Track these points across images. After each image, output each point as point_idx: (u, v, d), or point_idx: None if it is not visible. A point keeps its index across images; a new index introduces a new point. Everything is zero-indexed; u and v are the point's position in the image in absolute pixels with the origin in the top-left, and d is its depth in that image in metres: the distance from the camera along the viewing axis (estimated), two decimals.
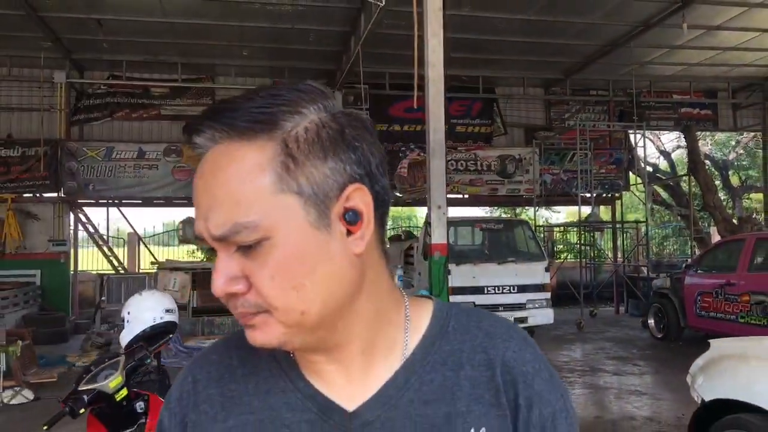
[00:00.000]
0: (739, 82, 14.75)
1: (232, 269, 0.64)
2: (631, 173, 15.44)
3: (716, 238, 14.11)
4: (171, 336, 3.24)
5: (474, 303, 8.65)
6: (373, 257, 0.70)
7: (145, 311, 3.03)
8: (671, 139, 20.30)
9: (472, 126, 13.50)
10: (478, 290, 8.76)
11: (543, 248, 9.94)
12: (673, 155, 20.64)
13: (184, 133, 0.69)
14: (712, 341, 3.72)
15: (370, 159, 0.67)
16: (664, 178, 18.62)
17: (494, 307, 8.72)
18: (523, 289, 8.82)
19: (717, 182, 18.10)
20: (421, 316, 0.76)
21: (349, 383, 0.73)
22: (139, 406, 2.54)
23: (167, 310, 3.06)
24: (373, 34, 8.89)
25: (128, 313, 3.05)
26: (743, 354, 3.49)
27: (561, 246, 17.85)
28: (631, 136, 14.99)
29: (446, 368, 0.74)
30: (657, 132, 17.74)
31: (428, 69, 5.78)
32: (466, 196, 13.57)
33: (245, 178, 0.62)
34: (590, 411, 5.85)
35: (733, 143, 21.27)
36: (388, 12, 7.88)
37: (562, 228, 18.41)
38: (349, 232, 0.66)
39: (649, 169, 17.00)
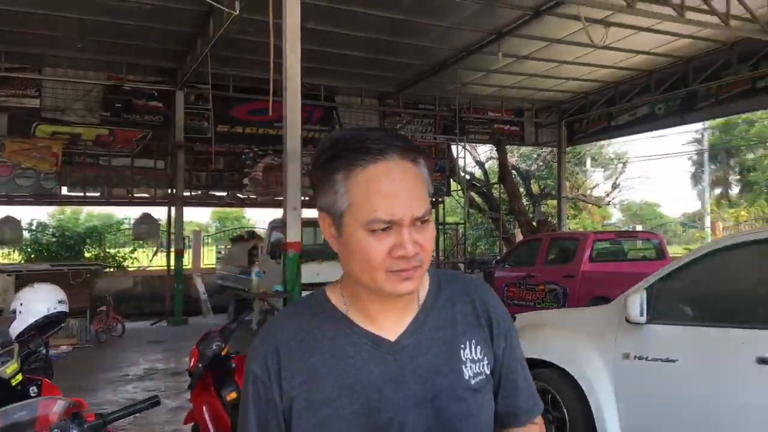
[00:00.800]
0: (541, 104, 17.15)
1: (415, 237, 1.02)
2: (452, 180, 17.20)
3: (520, 238, 16.23)
4: (62, 325, 3.44)
5: None
6: None
7: (38, 303, 3.21)
8: (485, 150, 22.81)
9: (314, 132, 14.12)
10: (321, 286, 9.36)
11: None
12: (486, 165, 23.13)
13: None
14: (518, 315, 4.75)
15: None
16: (479, 185, 20.80)
17: None
18: None
19: (521, 190, 20.73)
20: (423, 279, 1.16)
21: (390, 324, 1.11)
22: (32, 390, 2.75)
23: (60, 301, 3.28)
24: (221, 37, 9.10)
25: (20, 304, 3.20)
26: (540, 323, 4.54)
27: None
28: (453, 148, 16.72)
29: (447, 307, 1.15)
30: (474, 144, 19.80)
31: (286, 81, 6.28)
32: (307, 198, 14.12)
33: (423, 185, 1.05)
34: None
35: (535, 156, 24.39)
36: (241, 19, 8.18)
37: None
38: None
39: (467, 177, 18.95)
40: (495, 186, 18.99)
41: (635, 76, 14.28)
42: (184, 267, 12.71)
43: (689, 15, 9.00)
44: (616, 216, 34.74)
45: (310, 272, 9.22)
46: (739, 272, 3.64)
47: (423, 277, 1.07)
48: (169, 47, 11.27)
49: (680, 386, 3.47)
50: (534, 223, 17.05)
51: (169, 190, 13.07)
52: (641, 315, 3.62)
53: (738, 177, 33.27)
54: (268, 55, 6.81)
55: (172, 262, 12.63)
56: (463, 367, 1.12)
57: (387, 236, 1.01)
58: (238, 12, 7.75)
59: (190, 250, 15.01)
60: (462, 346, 1.13)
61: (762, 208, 25.30)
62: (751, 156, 31.20)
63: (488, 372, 1.15)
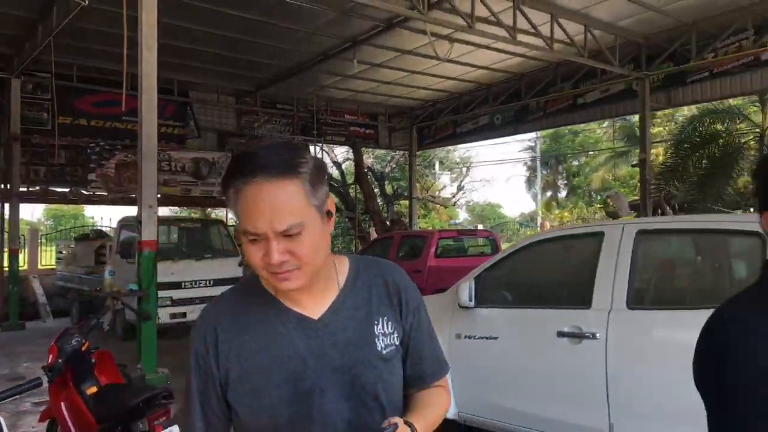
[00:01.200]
0: (394, 110, 18.06)
1: (286, 246, 1.13)
2: None
3: (374, 236, 16.98)
4: None
5: (172, 297, 9.13)
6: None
7: None
8: (342, 152, 23.43)
9: (165, 126, 13.71)
10: (176, 285, 9.23)
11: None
12: (343, 166, 23.77)
13: (244, 167, 1.12)
14: None
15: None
16: (335, 185, 21.35)
17: (191, 300, 9.35)
18: (219, 282, 9.59)
19: (376, 190, 21.60)
20: (343, 264, 1.34)
21: (313, 305, 1.26)
22: None
23: None
24: (66, 24, 8.65)
25: None
26: None
27: None
28: (311, 148, 17.04)
29: (364, 289, 1.31)
30: (331, 145, 20.29)
31: (142, 79, 6.23)
32: (159, 195, 13.68)
33: (296, 200, 1.12)
34: None
35: (389, 158, 25.49)
36: (90, 8, 7.86)
37: None
38: (328, 222, 1.21)
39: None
40: (351, 186, 19.63)
41: (476, 88, 15.61)
42: (19, 268, 11.75)
43: (520, 37, 10.15)
44: (462, 216, 37.35)
45: (164, 271, 9.04)
46: (544, 263, 4.38)
47: (310, 274, 1.19)
48: (4, 32, 10.40)
49: (501, 359, 4.12)
50: (388, 222, 17.92)
51: (3, 185, 12.01)
52: (470, 300, 4.23)
53: (565, 182, 37.15)
54: (117, 45, 6.69)
55: (6, 263, 11.63)
56: (376, 340, 1.29)
57: (258, 245, 1.14)
58: (87, 2, 7.46)
59: (26, 250, 13.85)
60: (375, 322, 1.30)
61: (581, 210, 28.60)
62: (575, 163, 35.00)
63: (398, 343, 1.32)
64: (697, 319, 3.00)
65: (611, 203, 14.79)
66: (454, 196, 27.75)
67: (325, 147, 18.14)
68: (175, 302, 9.11)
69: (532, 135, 29.07)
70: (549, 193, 37.63)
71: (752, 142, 14.16)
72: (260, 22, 10.47)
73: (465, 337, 4.34)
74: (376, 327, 1.29)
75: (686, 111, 15.70)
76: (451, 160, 29.34)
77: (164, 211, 18.89)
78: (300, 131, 16.35)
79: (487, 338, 4.19)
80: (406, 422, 1.20)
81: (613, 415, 3.48)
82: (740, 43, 11.28)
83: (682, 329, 3.30)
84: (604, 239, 3.73)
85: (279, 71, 13.52)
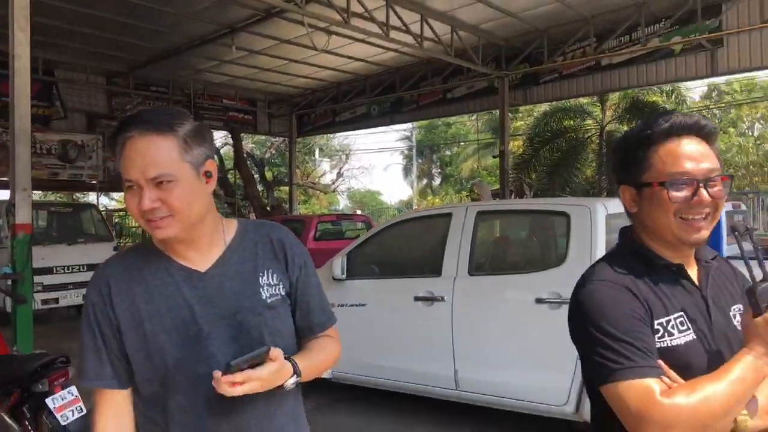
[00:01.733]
0: (274, 96, 18.22)
1: (158, 195, 1.24)
2: None
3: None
4: None
5: (43, 283, 8.90)
6: (212, 197, 1.38)
7: None
8: (220, 137, 23.13)
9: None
10: (47, 270, 8.97)
11: (111, 230, 10.72)
12: (222, 151, 23.47)
13: (124, 125, 1.24)
14: None
15: (213, 147, 1.34)
16: None
17: (64, 286, 9.15)
18: (92, 267, 9.43)
19: (256, 176, 21.64)
20: (232, 225, 1.45)
21: (201, 260, 1.37)
22: None
23: None
24: None
25: None
26: None
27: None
28: None
29: (250, 246, 1.42)
30: (209, 130, 19.97)
31: (14, 60, 6.14)
32: None
33: (167, 153, 1.25)
34: None
35: (269, 144, 25.53)
36: None
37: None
38: (207, 182, 1.33)
39: None
40: (230, 172, 19.54)
41: (354, 79, 16.24)
42: None
43: (393, 34, 10.87)
44: (343, 202, 38.14)
45: (34, 256, 8.78)
46: (404, 240, 5.08)
47: (184, 224, 1.29)
48: None
49: (368, 322, 4.76)
50: (268, 208, 18.13)
51: None
52: (342, 273, 4.82)
53: (439, 170, 39.04)
54: None
55: None
56: (261, 290, 1.39)
57: (134, 193, 1.26)
58: None
59: None
60: (260, 274, 1.41)
61: (452, 197, 30.39)
62: (448, 153, 36.91)
63: (283, 294, 1.43)
64: (522, 281, 3.82)
65: (476, 191, 16.09)
66: (333, 183, 28.34)
67: None
68: (46, 288, 8.88)
69: (409, 125, 30.33)
70: (424, 181, 39.40)
71: (594, 137, 16.07)
72: (135, 4, 10.31)
73: (338, 305, 4.92)
74: (261, 278, 1.40)
75: (544, 107, 17.37)
76: (331, 148, 29.90)
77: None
78: None
79: (356, 305, 4.81)
80: (288, 358, 1.30)
81: (458, 362, 4.24)
82: (584, 49, 12.81)
83: (511, 290, 4.11)
84: (452, 219, 4.46)
85: (154, 53, 13.26)
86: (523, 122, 23.28)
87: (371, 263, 4.99)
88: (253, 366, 1.21)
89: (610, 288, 1.22)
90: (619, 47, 12.38)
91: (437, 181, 39.50)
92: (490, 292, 4.18)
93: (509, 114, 23.66)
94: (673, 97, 15.67)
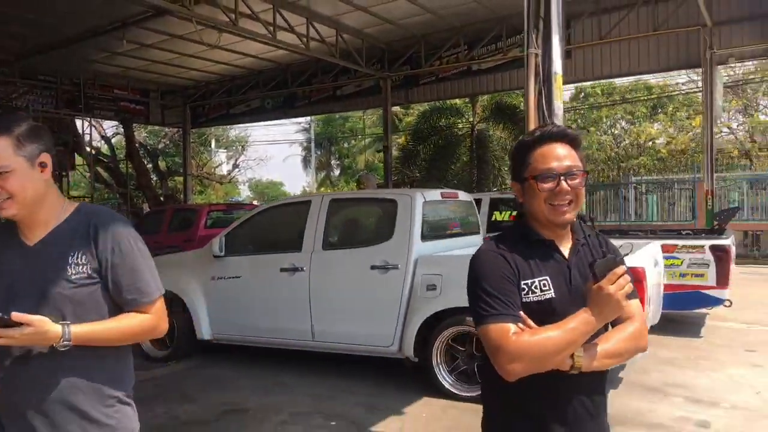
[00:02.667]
0: (167, 87, 18.42)
1: None
2: (77, 154, 17.19)
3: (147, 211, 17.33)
4: None
5: None
6: (51, 182, 1.67)
7: None
8: (112, 126, 22.85)
9: None
10: None
11: None
12: (113, 140, 23.17)
13: None
14: (158, 257, 6.42)
15: (50, 144, 1.65)
16: (105, 160, 20.90)
17: None
18: None
19: (149, 166, 21.63)
20: (71, 207, 1.73)
21: (33, 236, 1.68)
22: None
23: None
24: None
25: None
26: (158, 264, 6.31)
27: None
28: (78, 122, 16.74)
29: (72, 228, 1.68)
30: (100, 120, 19.85)
31: None
32: None
33: (2, 150, 1.56)
34: None
35: (162, 134, 25.41)
36: None
37: None
38: (42, 171, 1.63)
39: (93, 152, 19.01)
40: (122, 161, 19.50)
41: (247, 73, 16.87)
42: None
43: (281, 35, 11.71)
44: (245, 192, 38.25)
45: None
46: (273, 222, 6.07)
47: (21, 206, 1.61)
48: None
49: (242, 291, 5.71)
50: (161, 198, 18.36)
51: None
52: (220, 251, 5.74)
53: (338, 162, 40.05)
54: None
55: None
56: (68, 267, 1.62)
57: None
58: None
59: None
60: (72, 253, 1.64)
61: (346, 187, 31.56)
62: (346, 145, 37.99)
63: (90, 272, 1.64)
64: (361, 253, 4.95)
65: (362, 182, 17.23)
66: (229, 174, 28.60)
67: (93, 121, 17.81)
68: None
69: (307, 118, 31.06)
70: (324, 172, 40.25)
71: (467, 135, 17.73)
72: None
73: (218, 278, 5.85)
74: (71, 257, 1.63)
75: (425, 106, 18.82)
76: (227, 139, 30.09)
77: None
78: (65, 104, 15.99)
79: (232, 278, 5.75)
80: (64, 324, 1.56)
81: (314, 319, 5.30)
82: (457, 55, 14.26)
83: (353, 260, 5.21)
84: (311, 206, 5.51)
85: (41, 43, 13.24)
86: (413, 118, 24.78)
87: (246, 242, 5.93)
88: (8, 326, 1.48)
89: (488, 255, 1.56)
90: (486, 55, 13.92)
91: (336, 172, 40.52)
92: (338, 263, 5.27)
93: (402, 109, 25.20)
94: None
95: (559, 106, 3.47)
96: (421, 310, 4.78)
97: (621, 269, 1.40)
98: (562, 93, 3.61)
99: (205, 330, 5.90)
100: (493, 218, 8.04)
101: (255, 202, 27.72)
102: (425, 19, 12.92)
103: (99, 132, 21.71)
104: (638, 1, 11.86)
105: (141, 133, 23.76)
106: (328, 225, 5.39)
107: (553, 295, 1.51)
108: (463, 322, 4.55)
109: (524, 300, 1.50)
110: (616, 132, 25.48)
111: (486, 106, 17.55)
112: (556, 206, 1.52)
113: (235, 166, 28.84)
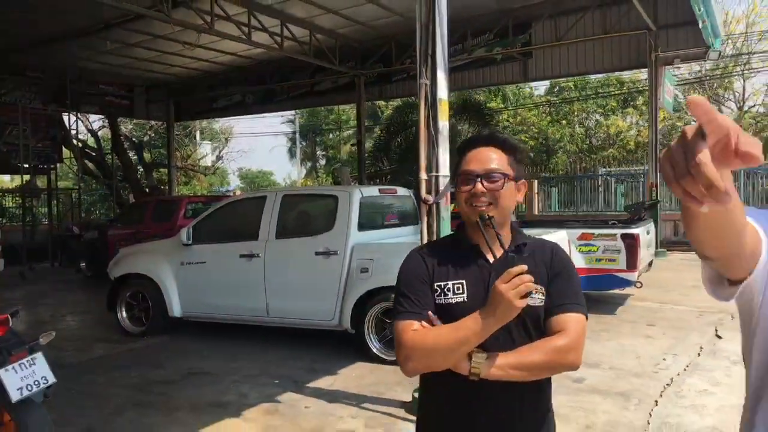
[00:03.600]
0: (151, 83, 19.12)
1: None
2: (65, 147, 17.89)
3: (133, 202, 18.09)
4: None
5: None
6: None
7: None
8: (98, 119, 23.47)
9: None
10: None
11: None
12: (99, 133, 23.82)
13: None
14: (121, 249, 7.26)
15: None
16: (92, 153, 21.58)
17: None
18: None
19: (135, 158, 22.32)
20: None
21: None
22: None
23: None
24: None
25: None
26: (135, 251, 7.15)
27: None
28: (65, 116, 17.43)
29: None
30: (87, 114, 20.51)
31: None
32: None
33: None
34: None
35: (148, 127, 26.05)
36: None
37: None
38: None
39: (80, 145, 19.71)
40: (108, 154, 20.20)
41: (228, 70, 17.59)
42: None
43: (257, 36, 12.47)
44: (234, 182, 38.93)
45: None
46: (235, 214, 6.89)
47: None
48: None
49: (207, 275, 6.54)
50: (146, 190, 19.11)
51: None
52: (188, 239, 6.56)
53: (324, 152, 40.79)
54: None
55: None
56: None
57: None
58: None
59: None
60: None
61: (329, 178, 32.35)
62: (331, 136, 38.72)
63: None
64: (308, 241, 5.87)
65: (337, 175, 18.08)
66: (213, 165, 29.31)
67: (80, 115, 18.48)
68: None
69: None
70: (310, 163, 40.98)
71: None
72: None
73: (186, 263, 6.68)
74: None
75: (398, 102, 19.59)
76: (212, 130, 30.75)
77: None
78: (53, 99, 16.65)
79: (199, 263, 6.59)
80: None
81: (268, 298, 6.15)
82: None
83: (301, 247, 6.05)
84: (266, 200, 6.34)
85: (29, 40, 13.88)
86: (391, 111, 25.56)
87: (210, 232, 6.75)
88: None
89: (409, 258, 1.63)
90: (454, 55, 14.71)
91: (323, 162, 41.27)
92: (288, 250, 6.11)
93: (384, 102, 25.94)
94: (499, 96, 18.42)
95: (443, 125, 4.32)
96: (356, 289, 5.64)
97: (517, 269, 1.36)
98: (447, 114, 4.44)
99: (176, 309, 6.74)
100: None
101: (237, 192, 28.50)
102: (393, 21, 13.69)
103: (86, 126, 22.41)
104: (591, 6, 12.70)
105: (127, 126, 24.40)
106: (281, 217, 6.23)
107: (465, 299, 1.51)
108: (390, 298, 5.41)
109: (438, 302, 1.53)
110: (589, 125, 26.41)
111: (454, 103, 18.35)
112: (474, 207, 1.53)
113: (219, 157, 29.54)
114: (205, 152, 29.53)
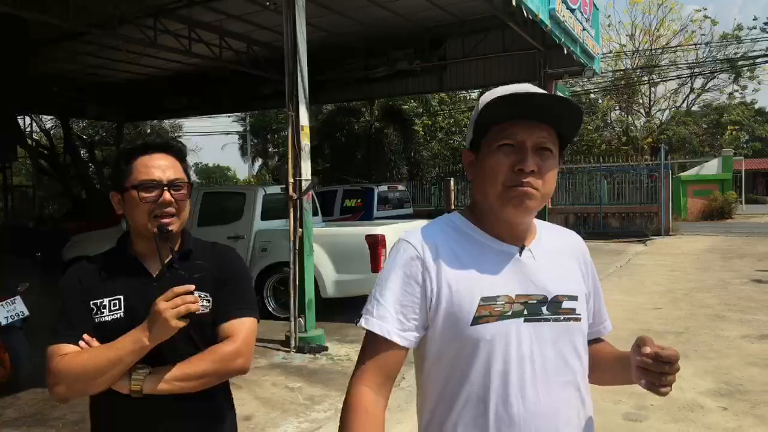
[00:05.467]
0: (103, 86, 20.20)
1: None
2: (19, 147, 18.97)
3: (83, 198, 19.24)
4: None
5: None
6: None
7: None
8: (50, 119, 24.40)
9: None
10: None
11: None
12: (52, 132, 24.71)
13: None
14: (73, 237, 8.82)
15: None
16: (46, 152, 22.45)
17: None
18: None
19: (86, 156, 23.36)
20: None
21: None
22: None
23: None
24: None
25: None
26: (85, 238, 8.73)
27: None
28: (20, 118, 18.52)
29: None
30: (40, 115, 21.50)
31: None
32: None
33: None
34: None
35: (100, 125, 27.04)
36: None
37: None
38: None
39: (34, 144, 20.70)
40: (61, 153, 21.27)
41: (175, 75, 18.91)
42: None
43: (198, 47, 14.00)
44: (191, 178, 39.88)
45: None
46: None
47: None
48: None
49: None
50: (97, 186, 20.28)
51: None
52: (127, 227, 8.18)
53: (275, 150, 42.17)
54: None
55: None
56: None
57: None
58: None
59: None
60: None
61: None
62: (283, 134, 40.20)
63: None
64: (223, 228, 7.60)
65: (277, 173, 19.75)
66: None
67: (33, 116, 19.51)
68: None
69: None
70: (262, 161, 42.31)
71: (366, 133, 20.40)
72: None
73: None
74: None
75: (331, 107, 21.27)
76: (162, 129, 31.84)
77: None
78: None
79: None
80: None
81: None
82: (354, 64, 16.81)
83: (216, 234, 7.73)
84: (199, 195, 8.02)
85: None
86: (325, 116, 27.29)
87: None
88: None
89: (68, 275, 1.54)
90: (378, 66, 16.53)
91: (275, 159, 42.63)
92: (207, 235, 7.67)
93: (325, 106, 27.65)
94: (422, 103, 20.34)
95: (305, 144, 6.08)
96: (258, 264, 7.39)
97: (182, 288, 1.37)
98: (308, 136, 6.20)
99: None
100: (345, 204, 10.75)
101: None
102: (319, 36, 15.37)
103: (39, 126, 23.34)
104: (491, 27, 14.65)
105: (79, 125, 25.32)
106: (201, 210, 7.94)
107: (122, 315, 1.46)
108: (282, 271, 7.17)
109: (97, 320, 1.46)
110: None
111: (380, 109, 20.28)
112: (158, 216, 1.47)
113: None
114: None
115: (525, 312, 1.21)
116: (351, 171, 18.52)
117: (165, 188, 1.48)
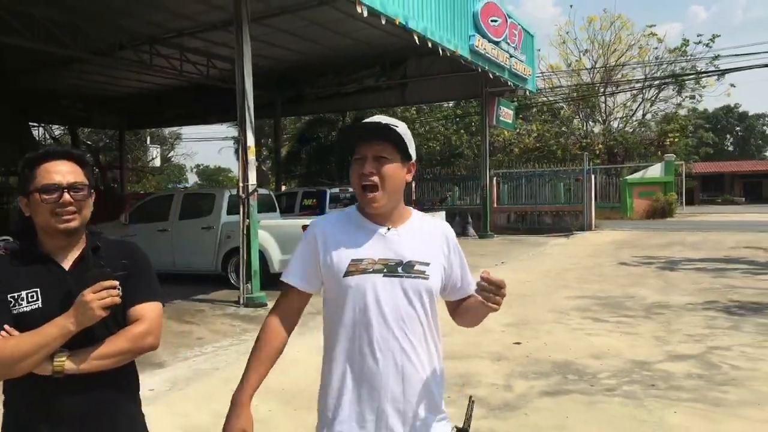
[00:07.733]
0: (107, 98, 22.56)
1: None
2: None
3: None
4: None
5: None
6: None
7: None
8: (58, 127, 26.66)
9: None
10: None
11: None
12: (60, 139, 27.05)
13: None
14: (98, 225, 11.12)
15: None
16: None
17: None
18: None
19: (91, 160, 25.65)
20: None
21: None
22: None
23: None
24: None
25: None
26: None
27: None
28: (32, 129, 20.83)
29: None
30: (50, 125, 23.78)
31: None
32: None
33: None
34: None
35: (104, 132, 29.34)
36: None
37: None
38: None
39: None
40: None
41: (171, 89, 21.21)
42: None
43: (189, 66, 16.29)
44: (192, 179, 42.36)
45: None
46: (153, 205, 10.81)
47: None
48: None
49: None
50: (101, 188, 22.57)
51: None
52: (125, 221, 10.46)
53: (268, 154, 44.41)
54: None
55: None
56: None
57: None
58: None
59: None
60: None
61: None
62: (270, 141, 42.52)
63: None
64: (198, 221, 9.92)
65: (260, 176, 21.97)
66: (162, 166, 32.84)
67: (45, 125, 21.76)
68: None
69: None
70: (257, 163, 44.48)
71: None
72: None
73: (124, 236, 10.57)
74: None
75: (309, 118, 23.57)
76: (161, 135, 34.26)
77: None
78: (20, 112, 19.96)
79: (132, 236, 10.47)
80: None
81: (174, 256, 10.10)
82: (331, 80, 19.09)
83: (194, 225, 10.04)
84: (174, 196, 10.30)
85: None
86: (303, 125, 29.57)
87: (139, 216, 10.60)
88: None
89: None
90: (348, 83, 18.82)
91: (269, 163, 44.84)
92: (186, 226, 10.05)
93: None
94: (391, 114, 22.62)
95: (252, 159, 8.34)
96: (224, 248, 9.68)
97: (109, 283, 1.54)
98: (254, 153, 8.45)
99: None
100: (303, 203, 13.07)
101: (179, 186, 31.91)
102: (298, 58, 17.68)
103: (49, 134, 25.69)
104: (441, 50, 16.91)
105: (84, 132, 27.59)
106: (182, 207, 10.22)
107: (40, 306, 1.59)
108: None
109: (15, 312, 1.57)
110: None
111: (353, 119, 22.57)
112: (60, 217, 1.61)
113: (166, 160, 33.07)
114: (153, 155, 32.92)
115: (384, 270, 1.65)
116: (325, 175, 20.78)
117: (65, 190, 1.62)
